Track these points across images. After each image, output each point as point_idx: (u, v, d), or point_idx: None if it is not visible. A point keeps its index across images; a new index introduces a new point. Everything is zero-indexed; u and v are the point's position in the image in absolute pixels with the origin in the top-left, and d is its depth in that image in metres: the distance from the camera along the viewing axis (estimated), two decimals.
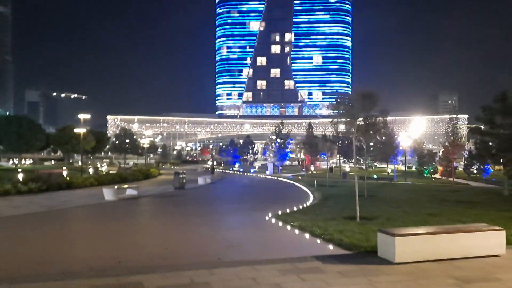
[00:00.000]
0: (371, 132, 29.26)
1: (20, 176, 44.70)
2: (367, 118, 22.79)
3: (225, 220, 21.58)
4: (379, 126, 31.61)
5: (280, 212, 22.45)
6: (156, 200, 31.28)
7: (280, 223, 18.83)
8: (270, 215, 21.51)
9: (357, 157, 75.58)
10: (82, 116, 49.15)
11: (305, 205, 26.40)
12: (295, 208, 24.31)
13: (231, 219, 21.83)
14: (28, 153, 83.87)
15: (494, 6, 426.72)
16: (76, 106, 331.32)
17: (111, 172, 57.54)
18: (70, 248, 14.54)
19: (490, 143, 32.79)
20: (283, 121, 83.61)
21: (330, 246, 13.73)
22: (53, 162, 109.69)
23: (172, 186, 41.68)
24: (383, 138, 60.12)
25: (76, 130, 52.77)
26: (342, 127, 70.58)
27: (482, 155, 33.73)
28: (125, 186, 34.63)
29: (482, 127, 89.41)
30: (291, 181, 54.55)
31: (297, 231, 16.59)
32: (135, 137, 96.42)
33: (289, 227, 17.60)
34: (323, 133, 76.96)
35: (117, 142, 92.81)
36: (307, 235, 15.64)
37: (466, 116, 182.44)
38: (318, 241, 14.71)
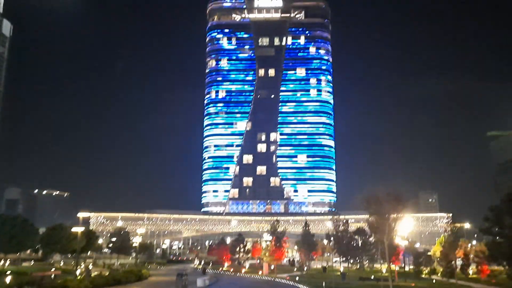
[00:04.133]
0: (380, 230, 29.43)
1: (8, 279, 42.30)
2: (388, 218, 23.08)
3: None
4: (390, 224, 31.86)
5: None
6: None
7: None
8: None
9: (358, 257, 74.72)
10: (81, 215, 48.11)
11: None
12: None
13: None
14: (17, 253, 79.96)
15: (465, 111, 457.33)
16: (57, 204, 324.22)
17: (103, 273, 54.91)
18: None
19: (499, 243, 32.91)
20: (278, 218, 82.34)
21: None
22: (32, 262, 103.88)
23: None
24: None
25: (74, 229, 51.26)
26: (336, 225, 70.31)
27: (495, 256, 33.77)
28: None
29: (467, 225, 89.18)
30: (291, 283, 52.58)
31: None
32: (129, 236, 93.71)
33: None
34: (322, 231, 75.91)
35: (111, 242, 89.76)
36: None
37: (450, 215, 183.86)
38: None
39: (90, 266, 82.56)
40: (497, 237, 33.19)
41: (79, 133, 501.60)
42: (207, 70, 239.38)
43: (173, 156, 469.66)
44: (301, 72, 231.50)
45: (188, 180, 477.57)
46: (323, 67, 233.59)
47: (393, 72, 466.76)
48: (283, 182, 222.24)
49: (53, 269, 59.99)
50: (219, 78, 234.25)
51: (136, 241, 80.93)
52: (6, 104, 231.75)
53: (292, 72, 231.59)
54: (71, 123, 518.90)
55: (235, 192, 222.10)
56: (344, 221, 62.36)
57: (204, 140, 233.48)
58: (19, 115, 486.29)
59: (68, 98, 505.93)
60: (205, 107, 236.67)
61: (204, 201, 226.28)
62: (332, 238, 60.75)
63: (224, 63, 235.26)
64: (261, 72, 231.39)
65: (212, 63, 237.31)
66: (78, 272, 61.34)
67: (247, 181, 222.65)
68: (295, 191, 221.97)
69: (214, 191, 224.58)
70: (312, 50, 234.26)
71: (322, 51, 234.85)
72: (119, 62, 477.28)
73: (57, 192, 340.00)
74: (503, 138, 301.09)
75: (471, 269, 76.98)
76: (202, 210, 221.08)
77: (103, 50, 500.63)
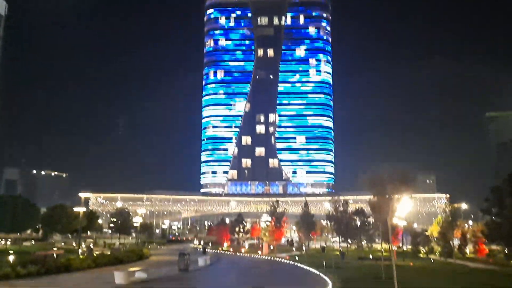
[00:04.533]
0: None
1: (11, 258, 42.62)
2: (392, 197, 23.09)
3: None
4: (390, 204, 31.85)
5: None
6: (171, 285, 30.00)
7: None
8: None
9: (359, 237, 75.54)
10: (83, 195, 48.23)
11: None
12: None
13: None
14: (18, 233, 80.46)
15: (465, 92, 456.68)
16: (56, 184, 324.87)
17: (105, 253, 55.41)
18: None
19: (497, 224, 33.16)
20: (277, 199, 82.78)
21: None
22: (33, 242, 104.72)
23: (172, 267, 40.20)
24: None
25: (76, 209, 51.49)
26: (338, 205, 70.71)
27: (495, 236, 34.13)
28: (134, 268, 33.29)
29: (464, 205, 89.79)
30: (291, 262, 53.09)
31: None
32: (131, 217, 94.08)
33: None
34: (320, 211, 76.33)
35: (112, 222, 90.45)
36: None
37: (448, 195, 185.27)
38: None
39: (91, 246, 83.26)
40: (497, 218, 33.44)
41: (76, 114, 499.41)
42: (205, 50, 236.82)
43: (171, 137, 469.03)
44: (300, 52, 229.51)
45: (187, 161, 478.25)
46: (323, 47, 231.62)
47: (393, 53, 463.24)
48: (281, 163, 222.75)
49: (55, 249, 60.55)
50: (218, 59, 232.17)
51: (137, 221, 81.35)
52: (3, 84, 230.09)
53: (291, 52, 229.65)
54: (69, 104, 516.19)
55: (234, 173, 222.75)
56: (344, 201, 62.81)
57: (202, 121, 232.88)
58: (17, 95, 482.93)
59: (65, 78, 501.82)
60: (204, 88, 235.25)
61: (203, 182, 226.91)
62: (332, 219, 61.11)
63: (222, 43, 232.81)
64: (260, 52, 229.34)
65: (210, 42, 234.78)
66: (80, 251, 61.93)
67: (246, 162, 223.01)
68: (294, 172, 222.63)
69: (213, 172, 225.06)
70: (312, 30, 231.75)
71: (321, 31, 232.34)
72: (116, 46, 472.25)
73: (56, 173, 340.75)
74: (501, 119, 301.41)
75: (468, 249, 78.02)
76: (201, 191, 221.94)
77: (100, 28, 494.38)
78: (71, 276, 33.88)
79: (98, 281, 30.59)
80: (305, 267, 43.72)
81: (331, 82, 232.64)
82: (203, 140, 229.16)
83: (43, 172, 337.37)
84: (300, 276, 35.88)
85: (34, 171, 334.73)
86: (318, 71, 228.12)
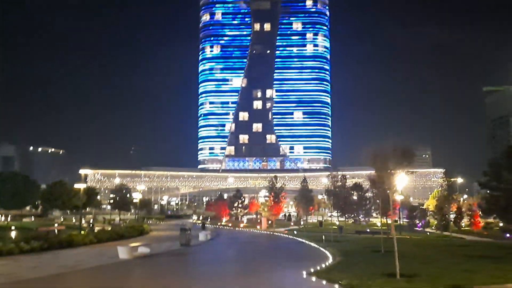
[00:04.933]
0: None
1: (13, 234, 43.04)
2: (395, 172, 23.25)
3: (266, 279, 21.10)
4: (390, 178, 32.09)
5: (312, 270, 22.22)
6: (174, 259, 30.48)
7: (324, 282, 18.67)
8: (305, 273, 21.28)
9: (356, 212, 76.59)
10: (83, 171, 48.32)
11: (330, 263, 26.18)
12: (323, 266, 24.11)
13: (271, 277, 21.39)
14: (19, 210, 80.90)
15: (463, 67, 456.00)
16: (53, 161, 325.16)
17: (106, 229, 55.95)
18: None
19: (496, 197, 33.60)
20: (276, 175, 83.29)
21: None
22: (33, 218, 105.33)
23: (174, 242, 40.76)
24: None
25: (76, 185, 51.70)
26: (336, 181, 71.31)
27: (492, 209, 34.66)
28: (137, 244, 33.68)
29: (460, 179, 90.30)
30: (290, 236, 53.86)
31: None
32: (130, 193, 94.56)
33: (337, 286, 17.45)
34: (318, 187, 76.84)
35: (111, 199, 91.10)
36: None
37: (443, 170, 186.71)
38: None
39: (92, 222, 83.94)
40: (493, 191, 33.91)
41: (72, 90, 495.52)
42: (201, 25, 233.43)
43: (168, 114, 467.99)
44: (297, 26, 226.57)
45: (184, 138, 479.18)
46: (320, 21, 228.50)
47: (391, 27, 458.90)
48: (279, 139, 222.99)
49: (56, 225, 61.08)
50: (214, 33, 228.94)
51: (136, 197, 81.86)
52: None
53: (289, 26, 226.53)
54: (64, 81, 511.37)
55: (231, 149, 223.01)
56: (342, 177, 63.32)
57: (199, 97, 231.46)
58: (12, 71, 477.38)
59: (61, 55, 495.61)
60: (200, 63, 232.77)
61: (201, 158, 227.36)
62: (331, 194, 61.70)
63: (218, 17, 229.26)
64: (257, 26, 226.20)
65: (206, 17, 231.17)
66: (85, 225, 62.59)
67: (243, 138, 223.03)
68: (291, 148, 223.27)
69: (210, 148, 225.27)
70: (309, 3, 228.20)
71: (319, 5, 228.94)
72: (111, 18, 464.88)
73: (53, 150, 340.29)
74: (498, 93, 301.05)
75: (464, 222, 79.25)
76: (199, 167, 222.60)
77: (96, 7, 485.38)
78: (74, 251, 34.28)
79: (101, 256, 30.98)
80: (304, 241, 44.36)
81: (328, 56, 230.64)
82: (200, 116, 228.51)
83: (39, 149, 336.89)
84: (300, 249, 36.48)
85: (31, 148, 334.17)
86: (316, 45, 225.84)
